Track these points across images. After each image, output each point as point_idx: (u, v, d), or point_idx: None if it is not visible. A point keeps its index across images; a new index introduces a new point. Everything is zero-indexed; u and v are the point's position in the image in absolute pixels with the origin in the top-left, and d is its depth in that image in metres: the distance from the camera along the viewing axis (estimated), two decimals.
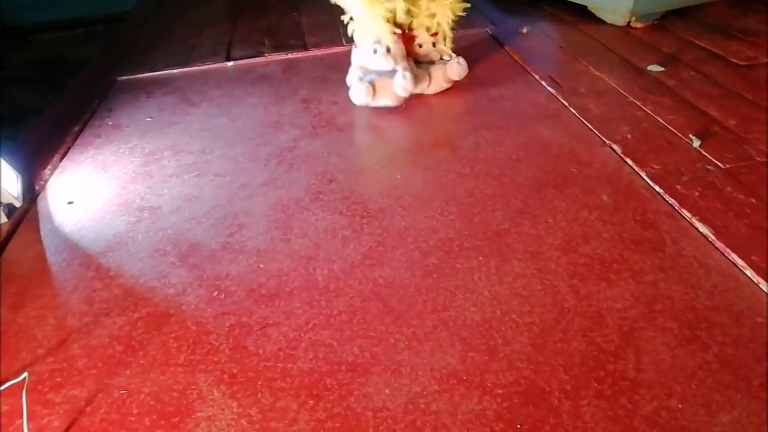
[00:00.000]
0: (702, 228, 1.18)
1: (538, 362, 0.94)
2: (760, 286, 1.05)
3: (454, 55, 1.78)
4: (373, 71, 1.68)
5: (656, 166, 1.37)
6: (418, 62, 1.77)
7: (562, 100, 1.70)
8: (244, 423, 0.87)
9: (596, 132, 1.54)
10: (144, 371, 0.96)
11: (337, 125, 1.67)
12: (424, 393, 0.90)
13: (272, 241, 1.24)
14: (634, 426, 0.83)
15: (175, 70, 2.11)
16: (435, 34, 1.77)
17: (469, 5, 1.76)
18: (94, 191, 1.44)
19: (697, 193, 1.28)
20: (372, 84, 1.63)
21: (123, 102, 1.91)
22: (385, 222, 1.28)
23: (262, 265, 1.18)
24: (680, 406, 0.85)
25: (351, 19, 1.69)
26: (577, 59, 1.96)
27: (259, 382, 0.93)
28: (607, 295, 1.06)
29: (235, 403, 0.90)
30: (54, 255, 1.24)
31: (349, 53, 1.78)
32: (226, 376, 0.95)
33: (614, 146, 1.47)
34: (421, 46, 1.77)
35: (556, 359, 0.94)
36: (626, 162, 1.41)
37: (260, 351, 0.99)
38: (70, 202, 1.40)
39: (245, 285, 1.13)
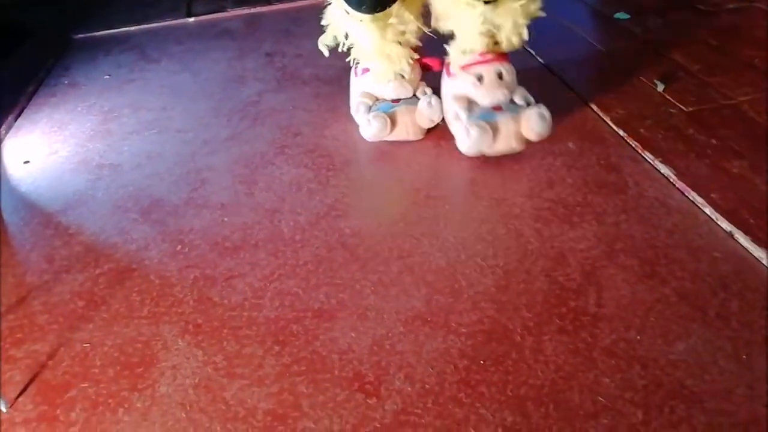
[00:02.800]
0: (664, 169, 1.20)
1: (501, 302, 0.95)
2: (718, 222, 1.07)
3: (530, 98, 1.25)
4: (383, 100, 1.35)
5: (620, 111, 1.38)
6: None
7: (527, 48, 1.69)
8: (210, 370, 0.87)
9: (562, 78, 1.53)
10: (107, 325, 0.95)
11: (302, 78, 1.64)
12: (390, 335, 0.91)
13: (236, 195, 1.22)
14: (593, 357, 0.85)
15: (134, 28, 2.04)
16: (500, 57, 1.25)
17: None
18: (51, 150, 1.40)
19: (660, 136, 1.29)
20: (388, 115, 1.30)
21: (80, 61, 1.85)
22: (352, 174, 1.27)
23: (226, 219, 1.16)
24: (638, 337, 0.87)
25: (350, 45, 1.30)
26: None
27: (225, 331, 0.93)
28: (570, 236, 1.07)
29: (201, 352, 0.90)
30: (11, 215, 1.21)
31: (313, 9, 1.74)
32: (190, 326, 0.94)
33: (579, 92, 1.46)
34: (480, 78, 1.24)
35: (519, 299, 0.95)
36: (591, 108, 1.41)
37: (225, 301, 0.98)
38: (27, 162, 1.36)
39: (209, 238, 1.12)
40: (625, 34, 1.73)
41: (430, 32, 1.29)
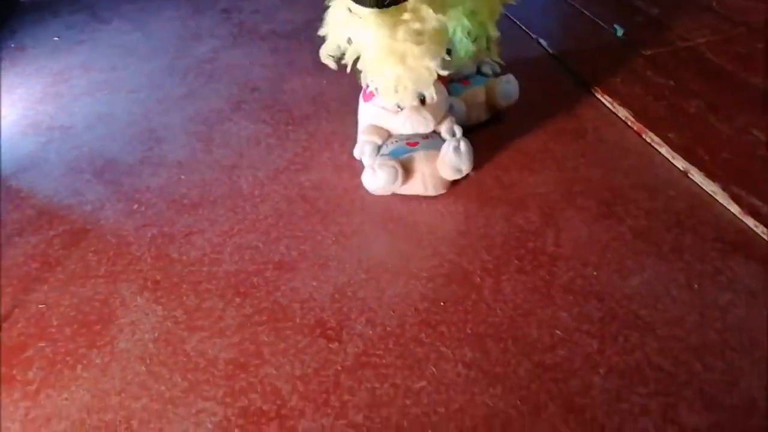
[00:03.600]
0: (622, 112, 1.20)
1: (461, 246, 0.95)
2: (674, 162, 1.08)
3: (498, 67, 1.20)
4: (397, 138, 1.06)
5: (581, 57, 1.37)
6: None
7: None
8: (170, 324, 0.86)
9: (525, 29, 1.52)
10: (62, 285, 0.93)
11: (260, 34, 1.59)
12: (351, 282, 0.91)
13: (193, 152, 1.20)
14: (551, 294, 0.86)
15: None
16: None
17: None
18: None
19: (619, 80, 1.29)
20: (400, 162, 1.01)
21: (27, 23, 1.77)
22: (311, 128, 1.25)
23: (183, 177, 1.14)
24: (595, 273, 0.89)
25: (356, 52, 0.99)
26: None
27: (184, 286, 0.92)
28: (529, 182, 1.07)
29: (160, 308, 0.89)
30: None
31: None
32: (149, 283, 0.93)
33: (542, 41, 1.46)
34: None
35: (479, 242, 0.95)
36: (553, 56, 1.41)
37: (184, 258, 0.97)
38: None
39: (166, 196, 1.09)
40: None
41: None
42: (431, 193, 1.03)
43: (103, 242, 1.01)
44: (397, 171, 0.99)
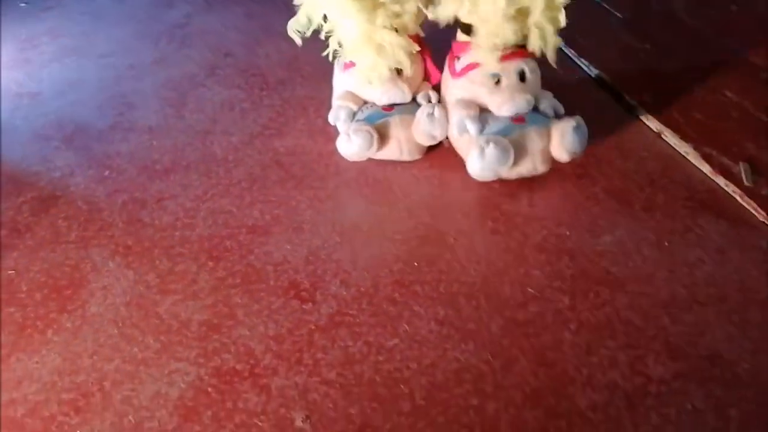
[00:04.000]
0: (597, 73, 1.20)
1: (436, 209, 0.95)
2: (648, 123, 1.08)
3: (560, 107, 1.00)
4: (372, 103, 1.04)
5: None
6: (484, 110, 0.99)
7: None
8: (142, 288, 0.85)
9: None
10: (32, 251, 0.92)
11: None
12: (326, 245, 0.90)
13: (165, 118, 1.18)
14: (524, 254, 0.87)
15: None
16: (523, 53, 0.96)
17: None
18: None
19: (595, 43, 1.29)
20: (376, 128, 0.98)
21: None
22: (286, 93, 1.23)
23: (155, 142, 1.12)
24: (568, 233, 0.89)
25: (329, 30, 1.00)
26: None
27: (156, 251, 0.91)
28: None
29: (132, 272, 0.88)
30: None
31: None
32: (120, 248, 0.92)
33: None
34: (498, 81, 0.95)
35: (453, 205, 0.96)
36: None
37: (156, 222, 0.96)
38: None
39: (138, 162, 1.08)
40: None
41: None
42: (406, 158, 1.02)
43: (74, 208, 0.99)
44: (372, 136, 0.97)
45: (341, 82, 1.07)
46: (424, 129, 0.97)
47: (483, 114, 0.97)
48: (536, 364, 0.73)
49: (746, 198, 0.91)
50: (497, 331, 0.77)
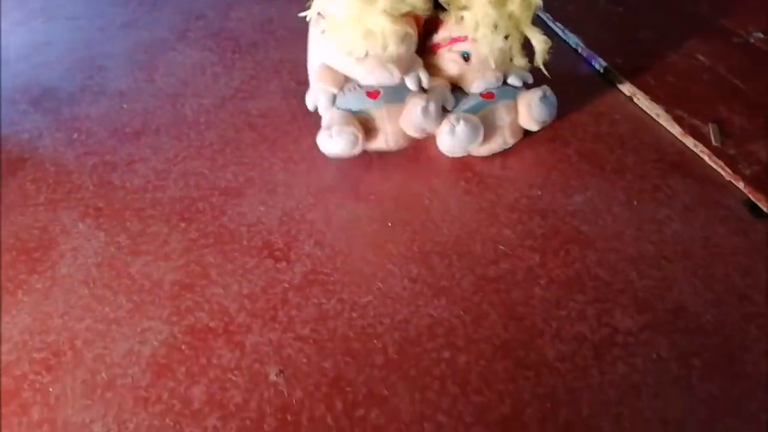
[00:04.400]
0: (572, 39, 1.20)
1: (411, 170, 0.95)
2: (621, 87, 1.09)
3: (528, 76, 0.99)
4: (355, 84, 0.93)
5: None
6: (455, 88, 0.98)
7: None
8: (113, 250, 0.84)
9: None
10: (1, 214, 0.90)
11: None
12: (299, 206, 0.90)
13: (135, 81, 1.16)
14: (496, 213, 0.87)
15: None
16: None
17: None
18: None
19: (571, 8, 1.28)
20: (359, 119, 0.90)
21: None
22: (259, 56, 1.21)
23: (125, 106, 1.10)
24: (539, 193, 0.90)
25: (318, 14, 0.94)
26: None
27: (127, 213, 0.90)
28: None
29: (102, 234, 0.87)
30: None
31: None
32: (91, 210, 0.90)
33: None
34: (467, 58, 0.94)
35: (428, 167, 0.96)
36: None
37: (127, 185, 0.94)
38: None
39: (108, 125, 1.06)
40: None
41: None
42: (393, 149, 0.94)
43: (42, 171, 0.97)
44: (356, 138, 0.88)
45: (320, 51, 0.96)
46: (416, 123, 0.89)
47: (453, 92, 0.96)
48: (506, 318, 0.74)
49: (714, 158, 0.93)
50: (469, 287, 0.78)
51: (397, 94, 0.92)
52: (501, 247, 0.83)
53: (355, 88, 0.93)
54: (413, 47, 0.93)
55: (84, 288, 0.80)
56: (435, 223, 0.87)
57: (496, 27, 0.91)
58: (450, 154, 0.93)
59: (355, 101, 0.92)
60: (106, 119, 1.07)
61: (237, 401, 0.67)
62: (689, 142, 0.96)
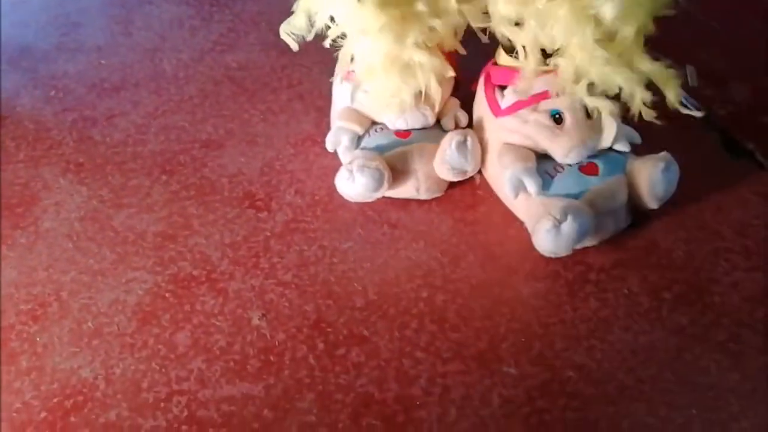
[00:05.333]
0: None
1: None
2: None
3: (636, 137, 0.78)
4: (383, 125, 0.83)
5: None
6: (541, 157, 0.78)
7: None
8: (95, 203, 0.85)
9: None
10: None
11: None
12: (280, 157, 0.91)
13: (112, 36, 1.14)
14: None
15: None
16: None
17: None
18: None
19: None
20: (387, 160, 0.78)
21: None
22: (237, 8, 1.20)
23: (103, 61, 1.09)
24: None
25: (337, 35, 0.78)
26: None
27: (109, 167, 0.90)
28: None
29: (84, 188, 0.87)
30: None
31: None
32: (72, 165, 0.91)
33: None
34: (559, 119, 0.74)
35: None
36: None
37: (107, 139, 0.95)
38: None
39: (86, 81, 1.05)
40: None
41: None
42: (423, 196, 0.81)
43: (21, 128, 0.97)
44: (382, 175, 0.75)
45: (344, 94, 0.84)
46: (451, 162, 0.76)
47: (543, 162, 0.75)
48: (483, 258, 0.76)
49: (690, 101, 0.93)
50: (447, 230, 0.79)
51: (431, 134, 0.81)
52: (479, 192, 0.84)
53: (382, 129, 0.82)
54: (451, 85, 0.83)
55: (68, 242, 0.80)
56: None
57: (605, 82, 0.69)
58: (553, 256, 0.73)
59: (382, 140, 0.81)
60: (83, 76, 1.06)
61: (221, 345, 0.69)
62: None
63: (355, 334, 0.69)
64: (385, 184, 0.76)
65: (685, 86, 0.90)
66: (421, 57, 0.73)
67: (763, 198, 0.81)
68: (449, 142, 0.76)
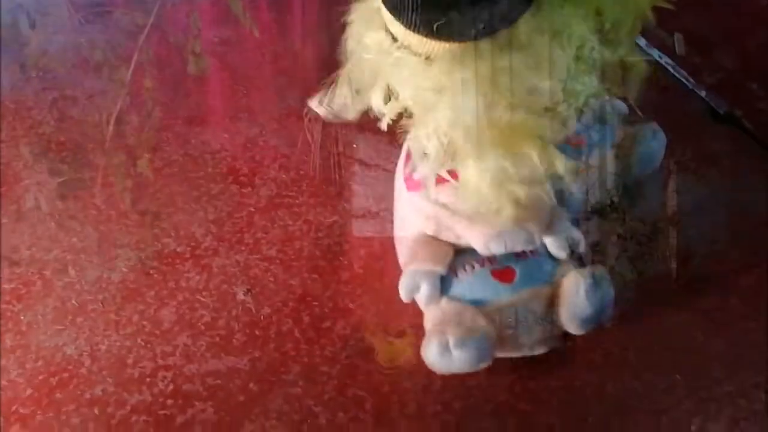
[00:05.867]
0: None
1: None
2: None
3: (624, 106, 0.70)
4: (472, 258, 0.60)
5: None
6: None
7: None
8: (77, 182, 0.84)
9: None
10: None
11: None
12: (264, 133, 0.90)
13: (94, 16, 1.12)
14: None
15: None
16: None
17: None
18: None
19: None
20: (489, 316, 0.58)
21: None
22: None
23: (83, 40, 1.07)
24: None
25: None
26: None
27: (90, 146, 0.89)
28: None
29: (66, 167, 0.86)
30: None
31: None
32: (53, 145, 0.90)
33: None
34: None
35: None
36: None
37: (88, 118, 0.93)
38: None
39: (66, 61, 1.03)
40: None
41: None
42: (529, 353, 0.60)
43: (2, 108, 0.96)
44: (488, 346, 0.56)
45: (413, 211, 0.63)
46: (584, 312, 0.57)
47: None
48: None
49: (678, 69, 0.93)
50: None
51: (537, 273, 0.60)
52: None
53: (473, 267, 0.60)
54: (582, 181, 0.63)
55: (50, 220, 0.80)
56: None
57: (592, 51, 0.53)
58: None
59: (479, 288, 0.60)
60: (64, 54, 1.04)
61: (206, 320, 0.69)
62: (654, 53, 0.96)
63: (341, 307, 0.69)
64: (492, 355, 0.57)
65: (673, 55, 0.90)
66: (525, 118, 0.48)
67: (747, 164, 0.81)
68: (578, 286, 0.56)
